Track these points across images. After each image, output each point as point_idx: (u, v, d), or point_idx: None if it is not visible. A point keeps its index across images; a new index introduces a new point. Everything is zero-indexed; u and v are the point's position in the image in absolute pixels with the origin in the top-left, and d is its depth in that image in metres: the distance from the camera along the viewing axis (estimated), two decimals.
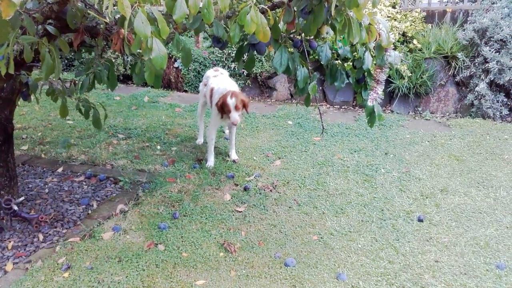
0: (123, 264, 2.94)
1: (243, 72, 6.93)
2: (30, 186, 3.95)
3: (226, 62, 6.96)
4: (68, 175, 4.17)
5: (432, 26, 6.71)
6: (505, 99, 5.84)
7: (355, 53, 2.88)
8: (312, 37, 2.78)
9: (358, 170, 4.38)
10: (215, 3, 1.97)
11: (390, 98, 6.49)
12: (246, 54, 2.72)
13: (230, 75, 4.84)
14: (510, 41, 5.66)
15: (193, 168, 4.34)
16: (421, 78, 6.14)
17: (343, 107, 6.60)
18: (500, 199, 3.85)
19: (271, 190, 3.97)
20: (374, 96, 2.89)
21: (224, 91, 4.20)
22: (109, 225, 3.37)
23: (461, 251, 3.15)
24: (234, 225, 3.43)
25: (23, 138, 5.00)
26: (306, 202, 3.78)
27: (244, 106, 4.13)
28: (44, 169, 4.29)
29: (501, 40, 5.77)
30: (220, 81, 4.44)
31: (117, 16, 2.27)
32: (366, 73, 2.89)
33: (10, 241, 3.15)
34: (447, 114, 6.22)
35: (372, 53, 2.74)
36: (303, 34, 2.71)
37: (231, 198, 3.82)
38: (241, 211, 3.62)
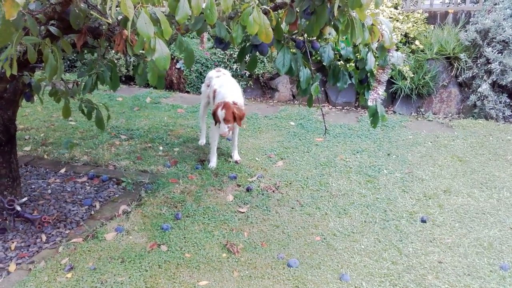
0: (126, 264, 2.94)
1: (245, 73, 6.93)
2: (33, 186, 3.95)
3: (228, 63, 6.97)
4: (71, 175, 4.18)
5: (434, 27, 6.70)
6: (508, 100, 5.83)
7: (358, 54, 2.87)
8: (314, 38, 2.77)
9: (360, 171, 4.37)
10: (217, 4, 1.97)
11: (393, 99, 6.48)
12: (248, 55, 2.72)
13: (232, 76, 4.83)
14: None
15: (196, 169, 4.34)
16: (424, 79, 6.13)
17: (345, 108, 6.59)
18: (503, 200, 3.84)
19: (273, 191, 3.97)
20: (375, 96, 2.88)
21: (225, 94, 4.18)
22: (112, 225, 3.37)
23: (464, 252, 3.14)
24: (237, 226, 3.43)
25: (26, 139, 5.01)
26: (309, 203, 3.78)
27: (235, 118, 4.07)
28: (47, 169, 4.29)
29: (503, 41, 5.76)
30: (222, 82, 4.42)
31: (120, 17, 2.27)
32: (368, 73, 2.89)
33: (13, 242, 3.16)
34: (450, 115, 6.20)
35: (374, 53, 2.74)
36: (305, 35, 2.70)
37: (234, 199, 3.82)
38: (244, 212, 3.62)
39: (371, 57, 2.74)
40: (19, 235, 3.25)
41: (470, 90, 6.15)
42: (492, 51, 5.74)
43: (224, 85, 4.34)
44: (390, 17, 6.59)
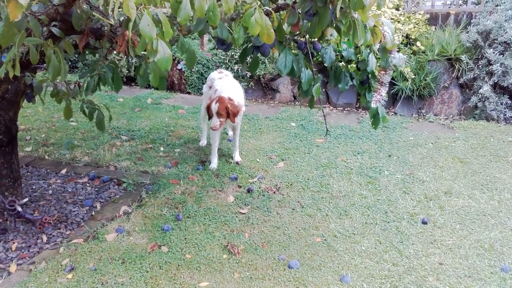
0: (127, 265, 2.94)
1: (246, 74, 6.94)
2: (34, 187, 3.96)
3: (229, 64, 6.97)
4: (72, 176, 4.18)
5: (435, 28, 6.71)
6: (509, 102, 5.82)
7: (359, 55, 2.87)
8: (316, 39, 2.78)
9: (361, 172, 4.37)
10: (219, 5, 1.97)
11: (394, 100, 6.48)
12: (250, 56, 2.72)
13: (233, 77, 4.83)
14: None
15: (197, 169, 4.34)
16: (425, 80, 6.13)
17: (346, 109, 6.60)
18: (504, 202, 3.84)
19: (274, 192, 3.97)
20: (378, 98, 2.89)
21: (224, 92, 4.19)
22: (113, 226, 3.37)
23: (465, 254, 3.14)
24: (238, 227, 3.43)
25: (27, 140, 5.01)
26: (310, 204, 3.78)
27: (229, 114, 4.07)
28: (48, 170, 4.29)
29: (505, 42, 5.76)
30: (225, 83, 4.42)
31: (122, 18, 2.27)
32: (370, 75, 2.89)
33: (14, 242, 3.16)
34: (451, 116, 6.20)
35: (376, 55, 2.74)
36: (307, 36, 2.70)
37: (235, 200, 3.82)
38: (245, 213, 3.62)
39: (372, 58, 2.74)
40: (20, 236, 3.25)
41: (471, 92, 6.15)
42: (494, 53, 5.74)
43: (226, 86, 4.34)
44: (392, 18, 6.59)
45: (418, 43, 6.39)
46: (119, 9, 1.75)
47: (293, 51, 2.66)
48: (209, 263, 2.99)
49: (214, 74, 4.70)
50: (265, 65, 6.88)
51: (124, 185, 3.98)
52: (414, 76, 6.13)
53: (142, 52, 2.02)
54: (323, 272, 2.93)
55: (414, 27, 6.58)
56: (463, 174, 4.36)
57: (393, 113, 6.37)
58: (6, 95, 3.20)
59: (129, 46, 2.18)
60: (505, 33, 5.72)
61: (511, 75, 5.62)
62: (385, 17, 6.49)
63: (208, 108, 4.14)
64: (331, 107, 6.68)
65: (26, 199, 3.49)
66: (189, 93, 7.20)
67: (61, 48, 2.35)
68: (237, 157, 4.56)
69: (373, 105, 2.86)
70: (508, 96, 5.83)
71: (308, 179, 4.23)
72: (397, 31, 6.34)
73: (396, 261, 3.06)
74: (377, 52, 2.72)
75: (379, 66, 2.79)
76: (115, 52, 2.74)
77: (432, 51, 6.25)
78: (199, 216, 3.55)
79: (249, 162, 4.57)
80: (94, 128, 5.05)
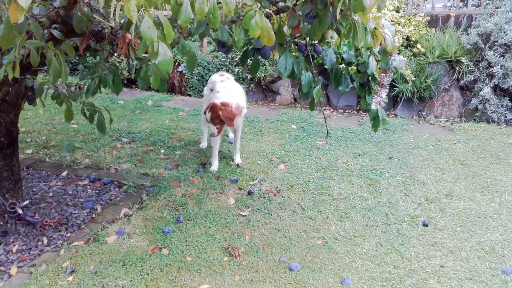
0: (127, 268, 2.94)
1: (247, 76, 6.94)
2: (35, 189, 3.96)
3: (230, 66, 6.97)
4: (73, 179, 4.18)
5: (436, 30, 6.71)
6: (510, 104, 5.83)
7: (360, 58, 2.88)
8: (316, 41, 2.78)
9: (362, 175, 4.37)
10: (220, 8, 1.97)
11: (394, 102, 6.48)
12: (250, 58, 2.72)
13: (234, 80, 4.82)
14: None
15: (197, 172, 4.34)
16: (425, 82, 6.13)
17: (346, 111, 6.60)
18: (505, 204, 3.83)
19: (275, 194, 3.97)
20: (378, 100, 2.89)
21: (222, 96, 4.16)
22: (113, 229, 3.37)
23: (466, 256, 3.13)
24: (238, 229, 3.42)
25: (27, 142, 5.01)
26: (310, 207, 3.77)
27: (221, 121, 4.03)
28: (49, 172, 4.30)
29: (505, 44, 5.77)
30: (226, 86, 4.40)
31: (123, 20, 2.28)
32: (370, 77, 2.89)
33: (14, 245, 3.16)
34: (451, 118, 6.20)
35: (376, 57, 2.74)
36: (307, 39, 2.71)
37: (235, 202, 3.82)
38: (245, 215, 3.61)
39: (372, 60, 2.74)
40: (20, 238, 3.25)
41: (472, 94, 6.15)
42: (494, 55, 5.74)
43: (227, 89, 4.32)
44: (392, 21, 6.60)
45: (418, 45, 6.39)
46: (120, 12, 1.75)
47: (293, 53, 2.66)
48: (210, 266, 2.99)
49: (215, 77, 4.66)
50: (266, 68, 6.88)
51: (125, 187, 3.98)
52: (414, 78, 6.13)
53: (143, 55, 2.02)
54: (324, 275, 2.93)
55: (415, 29, 6.59)
56: (464, 176, 4.36)
57: (393, 115, 6.37)
58: (7, 97, 3.21)
59: (130, 48, 2.18)
60: (506, 35, 5.73)
61: None
62: (385, 19, 6.50)
63: (205, 113, 4.15)
64: (332, 109, 6.68)
65: (26, 202, 3.49)
66: (189, 95, 7.20)
67: (62, 51, 2.35)
68: (237, 159, 4.56)
69: (373, 107, 2.86)
70: (508, 98, 5.83)
71: (308, 181, 4.23)
72: (397, 33, 6.35)
73: (397, 263, 3.05)
74: (378, 55, 2.72)
75: (379, 68, 2.79)
76: (116, 54, 2.75)
77: (432, 53, 6.26)
78: (200, 218, 3.55)
79: (249, 164, 4.57)
80: (95, 130, 5.06)
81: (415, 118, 6.28)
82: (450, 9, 7.17)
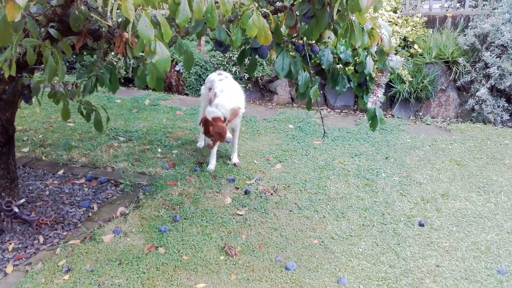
0: (124, 267, 2.94)
1: (244, 75, 6.94)
2: (31, 188, 3.95)
3: (227, 65, 6.97)
4: (69, 177, 4.18)
5: (433, 31, 6.72)
6: (506, 104, 5.85)
7: (357, 58, 2.88)
8: (314, 41, 2.78)
9: (359, 174, 4.38)
10: (217, 7, 1.97)
11: (391, 103, 6.49)
12: (248, 58, 2.72)
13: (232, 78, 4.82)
14: (511, 47, 5.67)
15: (194, 171, 4.34)
16: (422, 82, 6.15)
17: (344, 111, 6.61)
18: (501, 204, 3.85)
19: (271, 194, 3.97)
20: (374, 99, 2.90)
21: (219, 102, 4.19)
22: (110, 227, 3.36)
23: (462, 256, 3.14)
24: (235, 229, 3.43)
25: (24, 140, 5.00)
26: (307, 206, 3.78)
27: (214, 135, 4.09)
28: (45, 171, 4.29)
29: (502, 45, 5.79)
30: (224, 86, 4.39)
31: (120, 19, 2.27)
32: (367, 77, 2.90)
33: (10, 243, 3.15)
34: (448, 119, 6.22)
35: (374, 57, 2.75)
36: (305, 38, 2.71)
37: (232, 201, 3.82)
38: (242, 215, 3.62)
39: (370, 60, 2.75)
40: (16, 237, 3.24)
41: (469, 94, 6.17)
42: (491, 56, 5.76)
43: (225, 90, 4.32)
44: (389, 21, 6.61)
45: (415, 46, 6.41)
46: (117, 10, 1.75)
47: (291, 53, 2.67)
48: (206, 265, 2.99)
49: (213, 76, 4.65)
50: (263, 67, 6.88)
51: (121, 186, 3.97)
52: (411, 79, 6.15)
53: (140, 54, 2.02)
54: (320, 274, 2.94)
55: (412, 29, 6.60)
56: (460, 176, 4.37)
57: (390, 115, 6.38)
58: (4, 95, 3.20)
59: (127, 47, 2.18)
60: (502, 36, 5.75)
61: (508, 78, 5.64)
62: (382, 19, 6.51)
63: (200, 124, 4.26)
64: (329, 109, 6.69)
65: (22, 200, 3.49)
66: (187, 94, 7.20)
67: (59, 49, 2.34)
68: (234, 159, 4.56)
69: (369, 105, 2.87)
70: (505, 99, 5.85)
71: (305, 181, 4.23)
72: (394, 33, 6.36)
73: (393, 263, 3.06)
74: (375, 55, 2.73)
75: (376, 68, 2.80)
76: (113, 53, 2.74)
77: (429, 53, 6.27)
78: (196, 217, 3.55)
79: (246, 163, 4.57)
80: (92, 129, 5.07)
81: (412, 118, 6.30)
82: (447, 10, 7.20)
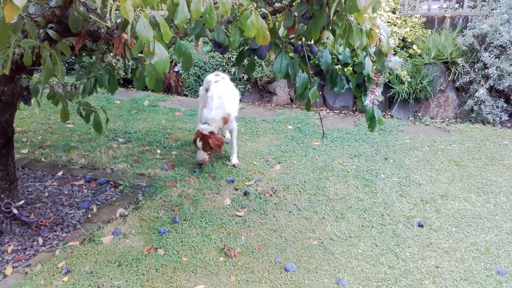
0: (123, 268, 2.93)
1: (243, 76, 6.94)
2: (30, 189, 3.94)
3: (226, 66, 6.97)
4: (68, 179, 4.17)
5: (431, 31, 6.73)
6: (505, 105, 5.85)
7: (356, 58, 2.88)
8: (312, 42, 2.78)
9: (358, 175, 4.38)
10: (216, 8, 1.97)
11: (390, 103, 6.50)
12: (246, 58, 2.72)
13: (230, 80, 4.83)
14: (509, 47, 5.68)
15: (193, 172, 4.34)
16: (421, 83, 6.15)
17: (343, 112, 6.61)
18: (500, 205, 3.85)
19: (271, 195, 3.97)
20: (372, 98, 2.90)
21: (212, 112, 4.26)
22: (109, 229, 3.36)
23: (461, 257, 3.14)
24: (234, 230, 3.42)
25: (23, 142, 5.00)
26: (306, 207, 3.78)
27: (212, 148, 4.21)
28: (44, 172, 4.28)
29: (500, 46, 5.79)
30: (219, 88, 4.41)
31: (119, 20, 2.27)
32: (366, 78, 2.89)
33: (9, 245, 3.15)
34: (447, 119, 6.23)
35: (372, 58, 2.75)
36: (303, 39, 2.71)
37: (231, 202, 3.82)
38: (241, 216, 3.62)
39: (368, 61, 2.75)
40: (15, 238, 3.23)
41: (467, 95, 6.18)
42: (489, 56, 5.77)
43: (220, 92, 4.35)
44: (388, 22, 6.62)
45: (414, 47, 6.41)
46: (116, 12, 1.75)
47: (289, 54, 2.67)
48: (206, 266, 2.99)
49: (210, 77, 4.69)
50: (262, 68, 6.88)
51: (121, 187, 3.97)
52: (410, 79, 6.15)
53: (139, 54, 2.02)
54: (320, 275, 2.94)
55: (411, 30, 6.60)
56: (459, 177, 4.37)
57: (389, 116, 6.38)
58: (3, 97, 3.20)
59: (126, 48, 2.18)
60: (501, 36, 5.75)
61: (507, 78, 5.64)
62: (381, 20, 6.51)
63: (195, 141, 4.30)
64: (328, 110, 6.69)
65: (22, 202, 3.48)
66: (186, 95, 7.20)
67: (58, 50, 2.34)
68: (234, 160, 4.56)
69: (367, 103, 2.87)
70: (503, 100, 5.86)
71: (304, 182, 4.23)
72: (393, 34, 6.36)
73: (392, 264, 3.06)
74: (373, 55, 2.73)
75: (375, 69, 2.80)
76: (111, 54, 2.74)
77: (428, 54, 6.28)
78: (196, 218, 3.54)
79: (246, 164, 4.57)
80: (91, 130, 5.06)
81: (411, 119, 6.30)
82: (446, 11, 7.20)
